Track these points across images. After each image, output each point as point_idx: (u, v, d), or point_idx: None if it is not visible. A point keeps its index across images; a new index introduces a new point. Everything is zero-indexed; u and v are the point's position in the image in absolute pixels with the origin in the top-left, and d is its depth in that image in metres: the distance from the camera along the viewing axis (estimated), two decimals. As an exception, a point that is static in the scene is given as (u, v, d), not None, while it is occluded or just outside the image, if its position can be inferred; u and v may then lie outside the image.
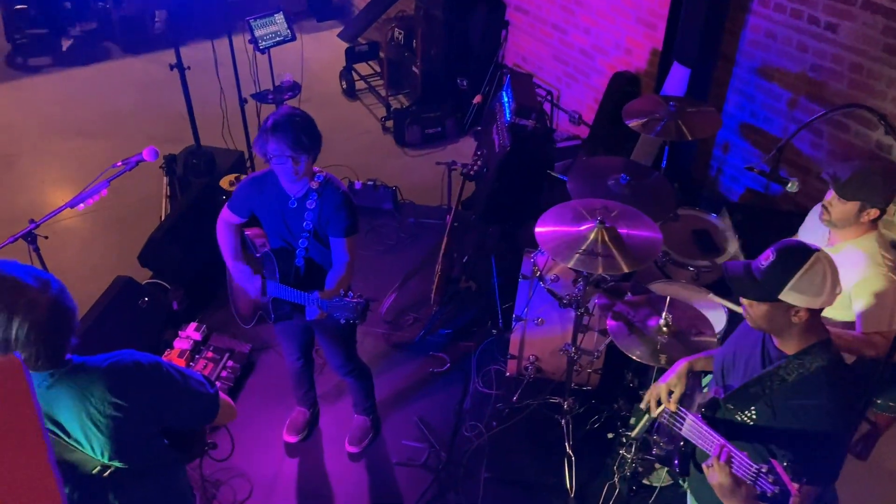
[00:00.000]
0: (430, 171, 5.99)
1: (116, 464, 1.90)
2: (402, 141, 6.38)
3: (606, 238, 2.90)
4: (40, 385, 1.81)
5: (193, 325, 4.12)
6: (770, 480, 1.79)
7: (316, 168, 2.88)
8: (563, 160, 5.27)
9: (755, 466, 1.83)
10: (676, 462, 2.35)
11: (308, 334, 3.37)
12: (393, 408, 3.88)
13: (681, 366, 2.42)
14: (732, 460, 1.90)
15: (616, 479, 3.34)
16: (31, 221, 2.98)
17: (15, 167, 6.15)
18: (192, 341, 4.03)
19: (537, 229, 3.02)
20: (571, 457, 3.45)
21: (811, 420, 1.98)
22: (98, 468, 1.91)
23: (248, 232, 3.09)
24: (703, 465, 2.00)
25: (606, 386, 3.72)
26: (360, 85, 7.28)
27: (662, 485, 3.31)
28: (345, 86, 7.24)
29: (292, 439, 3.68)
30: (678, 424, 2.34)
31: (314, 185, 2.85)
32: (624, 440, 3.37)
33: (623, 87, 5.26)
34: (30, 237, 2.99)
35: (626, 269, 2.86)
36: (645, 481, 3.36)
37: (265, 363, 4.13)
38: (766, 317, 2.01)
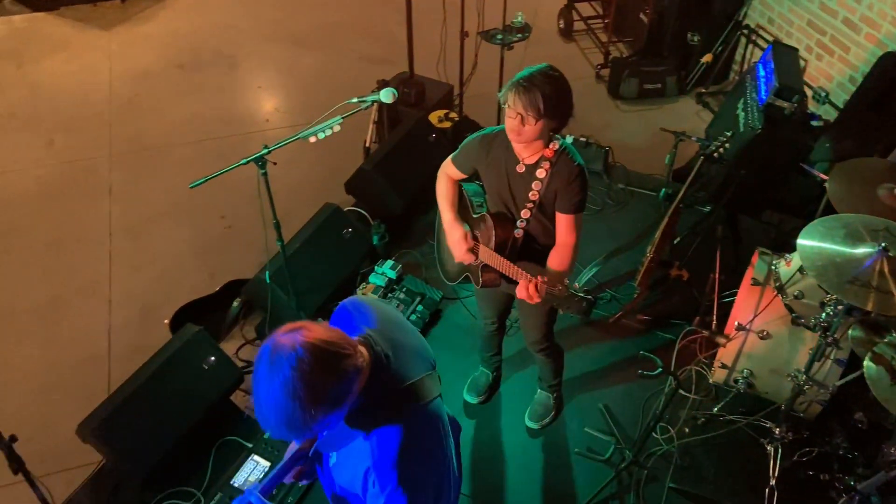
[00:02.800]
0: (644, 131, 5.57)
1: None
2: (616, 93, 5.95)
3: (887, 271, 2.45)
4: None
5: (390, 262, 4.08)
6: None
7: (557, 135, 2.61)
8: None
9: None
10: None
11: (508, 302, 3.20)
12: (576, 388, 3.67)
13: None
14: None
15: (825, 528, 2.97)
16: (265, 147, 2.96)
17: (237, 69, 6.38)
18: (386, 278, 4.00)
19: (801, 242, 2.61)
20: (774, 489, 3.10)
21: None
22: None
23: (469, 189, 2.91)
24: None
25: (827, 418, 3.30)
26: (578, 26, 6.85)
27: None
28: (562, 25, 6.83)
29: (472, 400, 3.58)
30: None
31: (548, 153, 2.59)
32: (843, 487, 2.98)
33: (892, 72, 4.51)
34: (260, 161, 2.98)
35: (904, 311, 2.41)
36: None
37: (453, 315, 4.03)
38: None
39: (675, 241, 4.13)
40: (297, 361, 1.45)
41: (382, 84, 5.27)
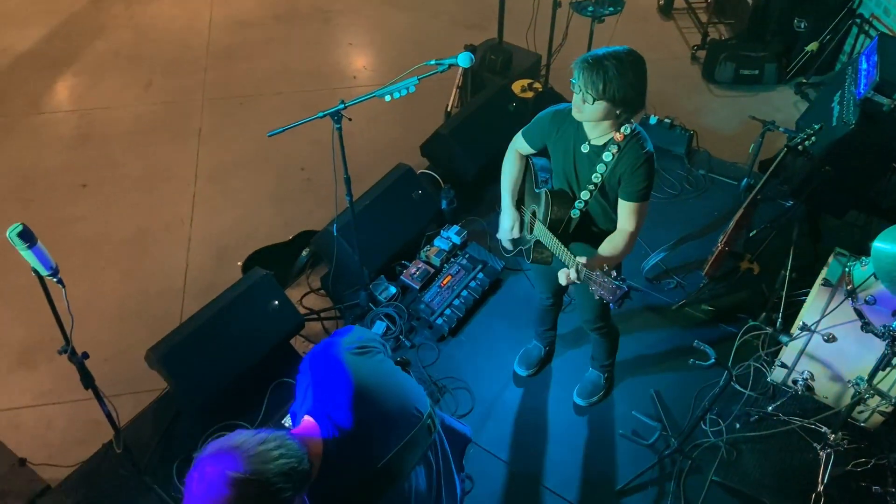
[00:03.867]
0: (734, 118, 5.38)
1: None
2: (710, 76, 5.75)
3: (965, 282, 2.32)
4: None
5: (456, 227, 4.12)
6: None
7: (630, 121, 2.56)
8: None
9: None
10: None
11: (565, 279, 3.18)
12: (630, 372, 3.64)
13: None
14: None
15: (869, 542, 2.87)
16: (341, 102, 3.03)
17: (330, 24, 6.49)
18: (451, 243, 4.05)
19: (877, 245, 2.50)
20: (822, 496, 3.02)
21: None
22: None
23: (537, 162, 2.90)
24: None
25: (889, 430, 3.17)
26: (679, 3, 6.62)
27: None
28: (662, 2, 6.62)
29: (522, 372, 3.61)
30: None
31: (618, 136, 2.54)
32: (894, 502, 2.87)
33: None
34: (336, 116, 3.05)
35: (979, 326, 2.28)
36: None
37: (513, 285, 4.05)
38: None
39: (752, 234, 4.00)
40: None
41: (470, 48, 5.26)
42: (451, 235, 4.07)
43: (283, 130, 3.07)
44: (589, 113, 2.48)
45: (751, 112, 4.98)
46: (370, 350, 1.76)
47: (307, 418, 1.64)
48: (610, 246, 2.62)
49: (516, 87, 4.99)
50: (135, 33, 6.27)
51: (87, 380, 2.61)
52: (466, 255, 4.03)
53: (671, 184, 4.61)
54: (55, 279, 2.27)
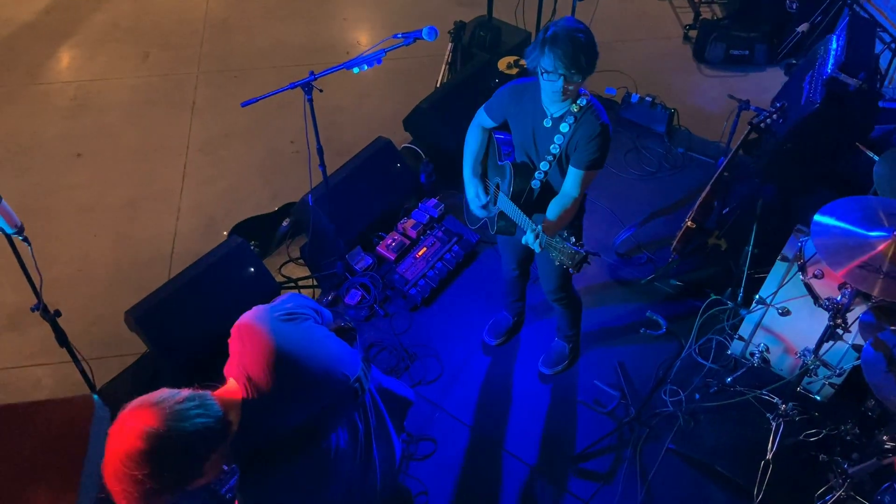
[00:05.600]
0: (720, 98, 5.40)
1: None
2: (701, 56, 5.77)
3: (899, 256, 2.40)
4: None
5: (434, 200, 4.22)
6: None
7: (583, 90, 2.64)
8: (884, 123, 4.43)
9: None
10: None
11: (528, 249, 3.25)
12: (596, 343, 3.74)
13: None
14: None
15: (813, 508, 2.97)
16: (311, 73, 3.12)
17: (328, 1, 6.55)
18: (428, 216, 4.15)
19: (817, 218, 2.58)
20: (770, 463, 3.12)
21: None
22: None
23: (498, 136, 2.99)
24: None
25: (839, 402, 3.26)
26: (673, -19, 6.62)
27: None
28: (657, -20, 6.61)
29: (491, 341, 3.72)
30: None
31: (575, 108, 2.63)
32: (839, 471, 2.96)
33: None
34: (307, 87, 3.14)
35: (910, 299, 2.36)
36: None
37: (488, 258, 4.15)
38: None
39: (724, 212, 4.07)
40: (138, 455, 1.48)
41: (459, 24, 5.34)
42: (428, 208, 4.17)
43: (257, 101, 3.17)
44: (573, 92, 2.56)
45: (740, 92, 5.02)
46: (298, 316, 1.86)
47: (230, 380, 1.75)
48: (555, 210, 2.72)
49: (502, 63, 5.05)
50: (134, 5, 6.36)
51: (61, 337, 2.74)
52: (443, 228, 4.13)
53: (650, 160, 4.68)
54: (21, 237, 2.39)
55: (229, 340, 1.81)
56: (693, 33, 5.95)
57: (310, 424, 1.76)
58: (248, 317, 1.82)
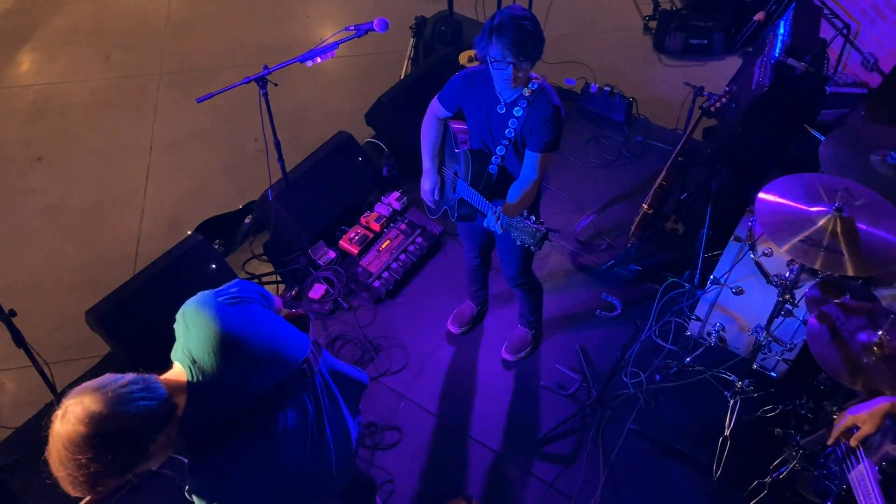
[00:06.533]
0: (679, 87, 5.46)
1: None
2: (661, 47, 5.84)
3: (839, 230, 2.47)
4: None
5: (396, 193, 4.25)
6: None
7: (533, 74, 2.69)
8: (836, 108, 4.53)
9: None
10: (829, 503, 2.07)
11: (489, 237, 3.32)
12: (559, 329, 3.79)
13: (880, 405, 2.06)
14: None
15: (768, 480, 3.03)
16: (265, 67, 3.14)
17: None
18: (391, 209, 4.18)
19: (761, 195, 2.64)
20: (728, 440, 3.19)
21: None
22: None
23: (454, 125, 3.02)
24: None
25: (794, 378, 3.34)
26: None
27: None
28: (617, -29, 6.69)
29: (455, 330, 3.76)
30: (848, 465, 2.03)
31: (526, 92, 2.67)
32: (793, 443, 3.03)
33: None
34: (261, 82, 3.16)
35: (850, 273, 2.43)
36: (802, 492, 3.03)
37: (451, 249, 4.18)
38: None
39: (683, 196, 4.14)
40: (80, 445, 1.49)
41: (420, 20, 5.37)
42: (391, 201, 4.20)
43: (212, 96, 3.19)
44: (524, 78, 2.60)
45: (700, 80, 5.10)
46: (243, 300, 1.88)
47: (176, 364, 1.78)
48: (514, 193, 2.77)
49: (463, 57, 5.09)
50: (94, 7, 6.32)
51: (18, 338, 2.74)
52: (406, 220, 4.16)
53: (609, 149, 4.74)
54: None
55: (174, 325, 1.82)
56: (653, 24, 6.03)
57: (257, 405, 1.78)
58: (192, 301, 1.84)
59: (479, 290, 3.72)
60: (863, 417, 2.04)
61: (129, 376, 1.61)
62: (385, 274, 3.91)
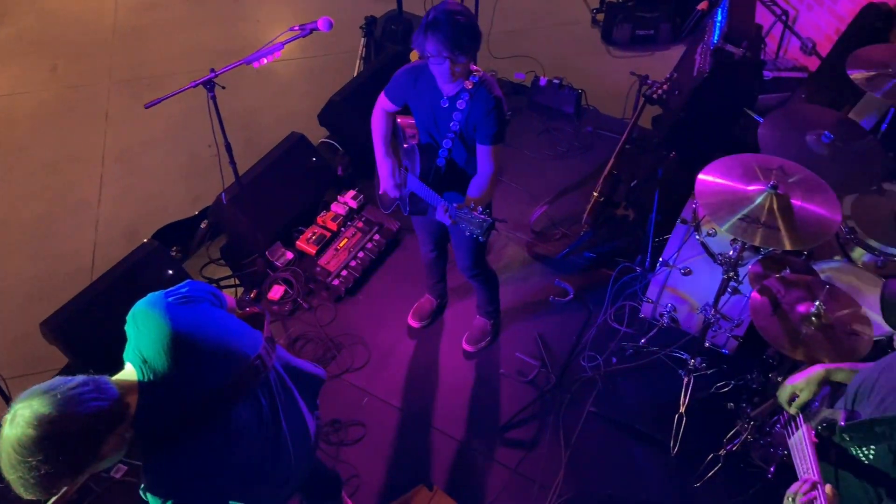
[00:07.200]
0: (626, 78, 5.58)
1: None
2: (609, 38, 5.95)
3: (775, 207, 2.57)
4: None
5: (352, 192, 4.28)
6: None
7: (473, 67, 2.74)
8: (778, 92, 4.68)
9: None
10: (772, 469, 2.16)
11: (443, 229, 3.37)
12: (517, 318, 3.86)
13: (815, 371, 2.15)
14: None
15: (722, 452, 3.13)
16: (212, 70, 3.15)
17: (240, 0, 6.52)
18: (347, 208, 4.20)
19: (700, 177, 2.74)
20: (683, 416, 3.29)
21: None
22: None
23: (400, 121, 3.07)
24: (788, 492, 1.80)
25: (745, 354, 3.45)
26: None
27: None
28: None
29: (415, 324, 3.80)
30: (789, 431, 2.12)
31: (468, 85, 2.73)
32: (745, 416, 3.14)
33: (873, 23, 4.46)
34: (209, 85, 3.17)
35: (787, 247, 2.53)
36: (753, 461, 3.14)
37: (409, 244, 4.23)
38: None
39: (633, 184, 4.23)
40: (28, 446, 1.50)
41: (370, 20, 5.41)
42: (347, 200, 4.22)
43: (161, 101, 3.18)
44: (461, 72, 2.65)
45: (648, 70, 5.21)
46: (193, 300, 1.90)
47: (127, 364, 1.79)
48: (474, 189, 2.84)
49: (414, 55, 5.12)
50: (39, 17, 6.23)
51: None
52: (363, 218, 4.19)
53: (560, 140, 4.83)
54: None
55: (125, 327, 1.84)
56: (600, 16, 6.13)
57: (209, 402, 1.81)
58: (142, 302, 1.86)
59: (437, 284, 3.76)
60: (800, 385, 2.12)
61: (80, 378, 1.62)
62: (344, 272, 3.94)
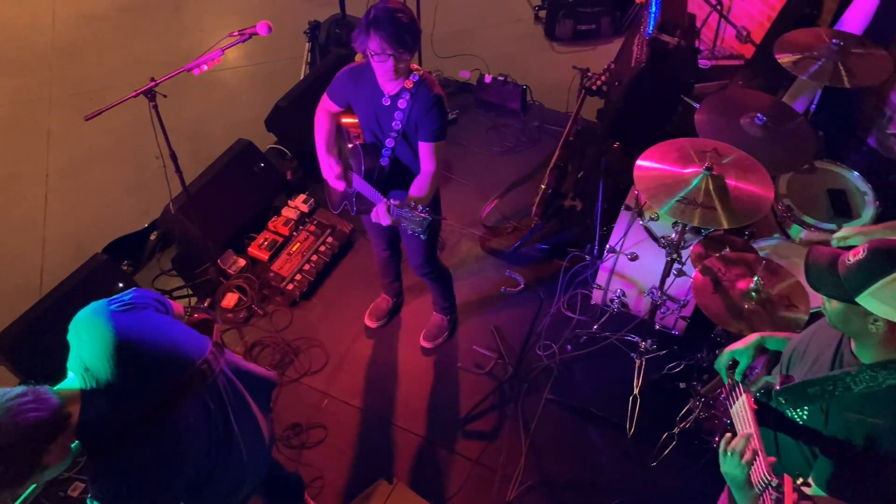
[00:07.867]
0: (570, 72, 5.68)
1: None
2: (552, 34, 6.04)
3: (711, 188, 2.66)
4: None
5: (302, 196, 4.28)
6: (773, 498, 1.66)
7: (414, 66, 2.78)
8: (716, 80, 4.81)
9: (768, 478, 1.69)
10: (717, 439, 2.23)
11: (393, 228, 3.36)
12: (473, 312, 3.90)
13: (752, 338, 2.23)
14: (753, 462, 1.77)
15: (676, 430, 3.22)
16: (152, 80, 3.13)
17: (180, 10, 6.46)
18: (298, 212, 4.20)
19: (638, 163, 2.81)
20: (637, 398, 3.37)
21: (865, 437, 1.78)
22: None
23: (344, 121, 3.09)
24: (720, 451, 1.87)
25: (694, 334, 3.55)
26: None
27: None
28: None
29: (372, 324, 3.82)
30: (731, 400, 2.19)
31: (408, 84, 2.76)
32: (695, 393, 3.23)
33: (801, 9, 4.62)
34: (150, 94, 3.15)
35: (725, 226, 2.62)
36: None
37: (363, 246, 4.24)
38: (840, 317, 1.79)
39: (580, 175, 4.31)
40: None
41: (313, 24, 5.42)
42: (297, 204, 4.22)
43: (101, 113, 3.16)
44: (403, 70, 2.68)
45: (591, 65, 5.31)
46: (136, 307, 1.90)
47: (70, 373, 1.79)
48: (417, 187, 2.87)
49: (359, 57, 5.14)
50: (-29, 35, 6.09)
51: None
52: (315, 222, 4.19)
53: (507, 136, 4.90)
54: None
55: (68, 336, 1.83)
56: (543, 13, 6.22)
57: (154, 407, 1.81)
58: (84, 311, 1.86)
59: (392, 283, 3.79)
60: (738, 351, 2.20)
61: (18, 389, 1.62)
62: (298, 276, 3.94)
